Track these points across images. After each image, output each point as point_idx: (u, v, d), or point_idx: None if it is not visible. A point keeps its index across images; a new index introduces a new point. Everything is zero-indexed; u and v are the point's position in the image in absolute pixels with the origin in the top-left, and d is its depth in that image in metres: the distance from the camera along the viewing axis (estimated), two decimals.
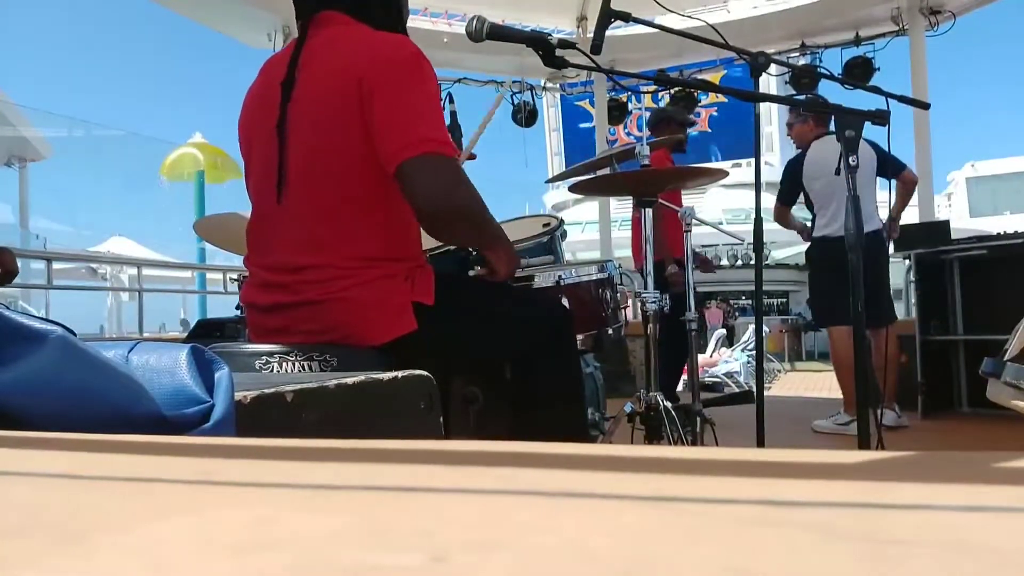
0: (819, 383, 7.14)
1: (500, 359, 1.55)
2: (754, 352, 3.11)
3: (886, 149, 3.49)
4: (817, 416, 3.80)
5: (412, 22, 1.60)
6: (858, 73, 6.13)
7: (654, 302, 2.14)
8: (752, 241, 2.01)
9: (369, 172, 1.36)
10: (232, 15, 6.34)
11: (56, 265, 6.50)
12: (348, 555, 0.25)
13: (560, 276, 1.84)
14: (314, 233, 1.39)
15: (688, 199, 2.99)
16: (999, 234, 4.08)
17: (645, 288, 2.16)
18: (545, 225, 2.22)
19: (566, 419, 1.54)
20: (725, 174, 2.21)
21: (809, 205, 3.81)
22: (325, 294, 1.37)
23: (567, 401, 1.55)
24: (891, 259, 3.91)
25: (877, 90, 1.81)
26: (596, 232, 8.67)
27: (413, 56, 1.38)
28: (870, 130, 1.79)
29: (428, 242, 1.96)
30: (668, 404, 2.07)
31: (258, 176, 1.48)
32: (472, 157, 1.95)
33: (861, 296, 1.76)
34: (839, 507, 0.29)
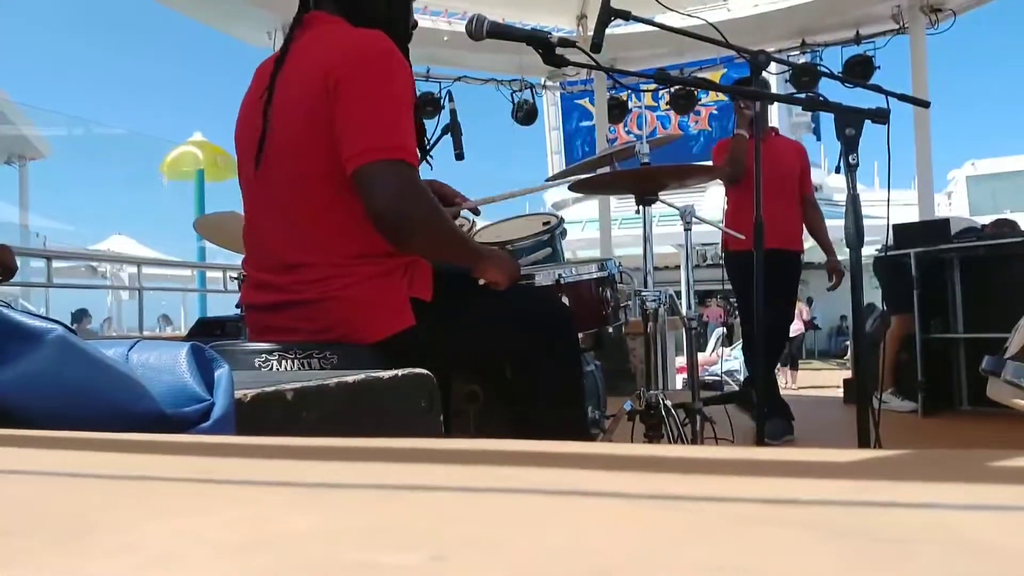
0: (819, 381, 7.14)
1: (500, 357, 1.55)
2: None
3: None
4: (818, 415, 3.81)
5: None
6: (858, 71, 6.11)
7: (654, 300, 2.14)
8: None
9: None
10: (232, 14, 6.32)
11: (56, 263, 6.50)
12: (348, 553, 0.25)
13: (560, 274, 1.84)
14: (307, 232, 1.39)
15: (688, 197, 2.99)
16: (983, 226, 4.10)
17: (645, 286, 2.16)
18: (545, 223, 2.22)
19: (566, 418, 1.54)
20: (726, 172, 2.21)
21: None
22: (323, 293, 1.37)
23: (567, 400, 1.55)
24: (882, 255, 4.00)
25: (877, 88, 1.81)
26: (596, 231, 8.66)
27: (382, 53, 1.36)
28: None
29: None
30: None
31: (248, 178, 1.49)
32: (476, 212, 1.95)
33: (861, 294, 1.77)
34: (839, 505, 0.29)
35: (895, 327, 4.18)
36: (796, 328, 11.59)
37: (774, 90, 4.33)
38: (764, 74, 2.04)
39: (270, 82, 1.42)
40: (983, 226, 4.27)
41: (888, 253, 4.05)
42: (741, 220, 2.98)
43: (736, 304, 3.75)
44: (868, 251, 2.19)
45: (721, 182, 3.48)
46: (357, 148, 1.30)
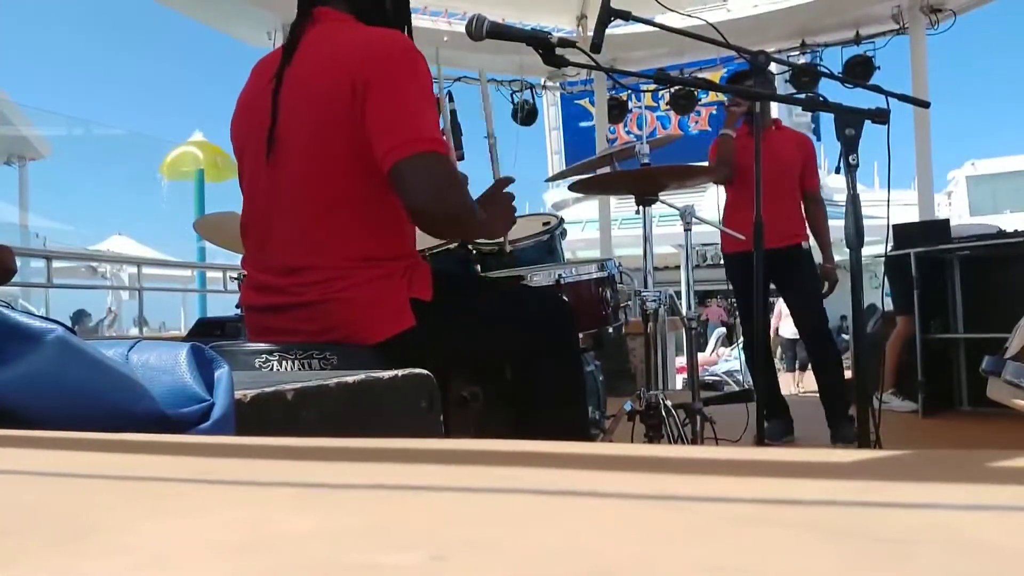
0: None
1: (500, 357, 1.55)
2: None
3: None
4: (818, 415, 3.80)
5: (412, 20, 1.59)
6: (858, 72, 6.12)
7: (654, 300, 2.14)
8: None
9: (362, 170, 1.35)
10: (232, 14, 6.33)
11: (56, 264, 6.50)
12: (348, 554, 0.25)
13: (560, 274, 1.84)
14: (309, 234, 1.39)
15: (688, 197, 2.97)
16: (1000, 232, 4.09)
17: (645, 286, 2.16)
18: (545, 224, 2.22)
19: (567, 418, 1.54)
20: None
21: None
22: (324, 295, 1.36)
23: (568, 400, 1.55)
24: (892, 255, 3.96)
25: (877, 89, 1.81)
26: (596, 231, 8.66)
27: (405, 51, 1.38)
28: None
29: (428, 241, 1.96)
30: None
31: (250, 177, 1.48)
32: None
33: (861, 294, 1.77)
34: (839, 506, 0.29)
35: (900, 327, 4.14)
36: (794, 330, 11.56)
37: (777, 86, 4.29)
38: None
39: (277, 77, 1.41)
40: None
41: (888, 253, 3.98)
42: (736, 221, 2.95)
43: (736, 305, 3.68)
44: (867, 251, 2.19)
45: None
46: (392, 143, 1.31)
